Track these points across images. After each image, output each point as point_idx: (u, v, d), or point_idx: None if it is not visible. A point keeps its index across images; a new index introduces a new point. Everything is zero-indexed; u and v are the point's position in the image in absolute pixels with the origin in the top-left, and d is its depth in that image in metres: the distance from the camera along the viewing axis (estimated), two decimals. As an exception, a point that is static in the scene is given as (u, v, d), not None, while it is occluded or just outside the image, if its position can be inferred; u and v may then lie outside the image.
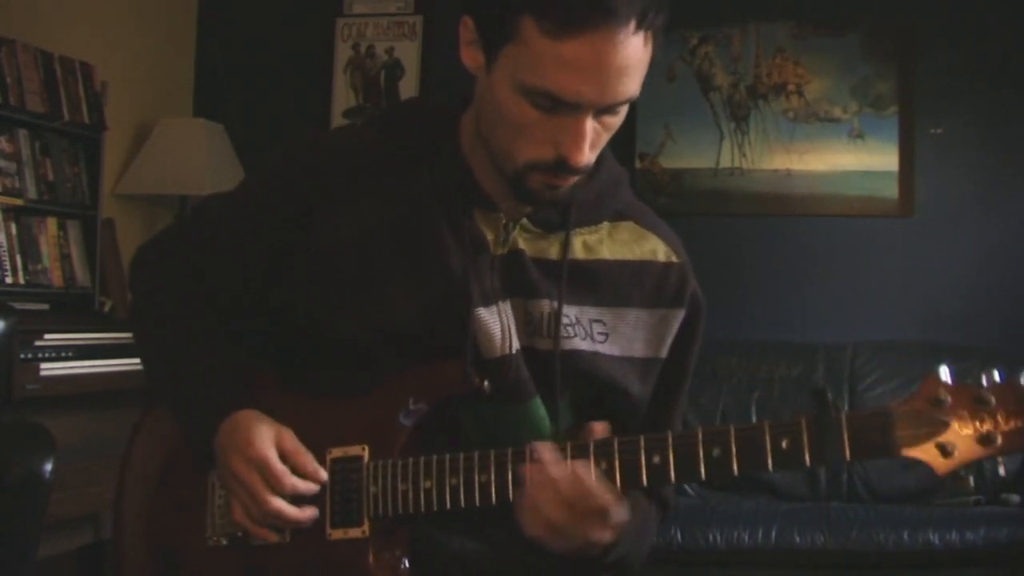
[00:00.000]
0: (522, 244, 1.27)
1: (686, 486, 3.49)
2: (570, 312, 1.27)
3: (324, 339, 1.29)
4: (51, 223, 3.40)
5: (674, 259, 1.34)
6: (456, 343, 1.24)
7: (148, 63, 4.10)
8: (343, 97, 4.29)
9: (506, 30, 1.13)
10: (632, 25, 1.10)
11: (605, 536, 1.16)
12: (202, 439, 1.29)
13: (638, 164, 4.03)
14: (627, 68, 1.12)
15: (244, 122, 4.15)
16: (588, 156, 1.17)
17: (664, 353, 1.33)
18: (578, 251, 1.29)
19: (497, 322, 1.25)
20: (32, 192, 3.33)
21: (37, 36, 3.41)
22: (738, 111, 3.99)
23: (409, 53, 4.24)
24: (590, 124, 1.15)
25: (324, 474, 1.24)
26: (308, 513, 1.23)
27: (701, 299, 1.36)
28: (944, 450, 1.07)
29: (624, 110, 1.18)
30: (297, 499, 1.23)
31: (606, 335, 1.29)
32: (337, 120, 4.28)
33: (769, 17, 3.96)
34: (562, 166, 1.17)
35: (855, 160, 3.89)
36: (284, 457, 1.23)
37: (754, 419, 3.59)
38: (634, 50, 1.11)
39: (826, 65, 3.92)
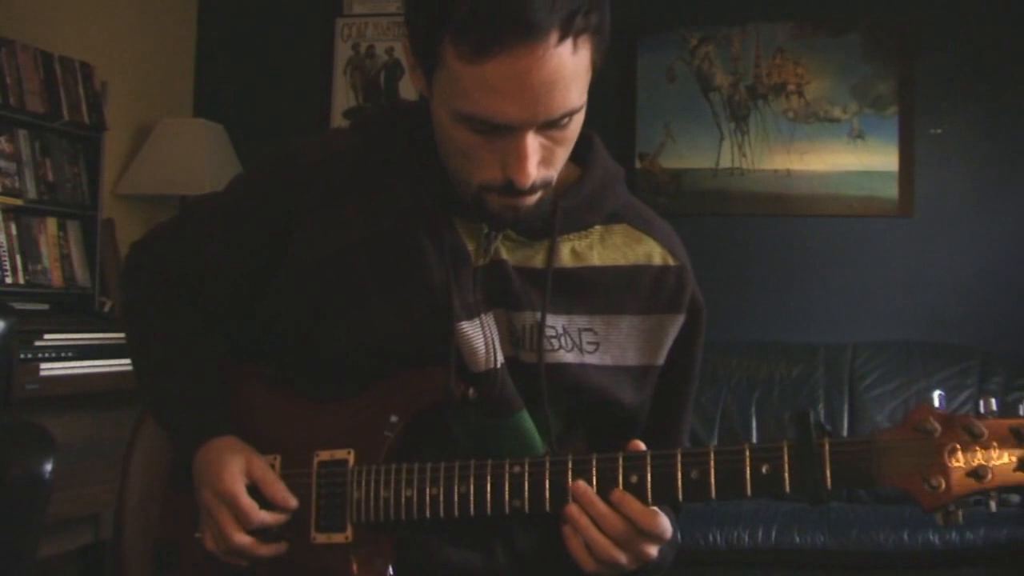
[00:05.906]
0: (504, 253, 1.22)
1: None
2: (556, 323, 1.23)
3: (311, 350, 1.27)
4: (51, 223, 3.40)
5: (671, 262, 1.28)
6: (441, 358, 1.20)
7: (148, 63, 4.10)
8: (343, 97, 4.29)
9: (433, 56, 1.08)
10: (555, 36, 1.03)
11: (652, 552, 1.14)
12: (184, 459, 1.28)
13: (638, 164, 4.03)
14: (557, 81, 1.05)
15: (244, 122, 4.16)
16: (537, 174, 1.11)
17: (661, 360, 1.28)
18: (566, 258, 1.24)
19: (480, 336, 1.21)
20: (32, 192, 3.33)
21: (37, 36, 3.41)
22: (738, 111, 3.99)
23: (409, 53, 4.24)
24: (533, 142, 1.09)
25: (294, 501, 1.21)
26: (272, 549, 1.21)
27: (701, 303, 1.30)
28: (930, 484, 1.01)
29: (576, 120, 1.12)
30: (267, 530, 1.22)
31: (596, 344, 1.24)
32: (337, 120, 4.28)
33: (769, 17, 3.97)
34: (511, 188, 1.12)
35: (855, 160, 3.89)
36: (253, 486, 1.21)
37: (754, 420, 3.60)
38: (562, 61, 1.04)
39: (826, 65, 3.92)
